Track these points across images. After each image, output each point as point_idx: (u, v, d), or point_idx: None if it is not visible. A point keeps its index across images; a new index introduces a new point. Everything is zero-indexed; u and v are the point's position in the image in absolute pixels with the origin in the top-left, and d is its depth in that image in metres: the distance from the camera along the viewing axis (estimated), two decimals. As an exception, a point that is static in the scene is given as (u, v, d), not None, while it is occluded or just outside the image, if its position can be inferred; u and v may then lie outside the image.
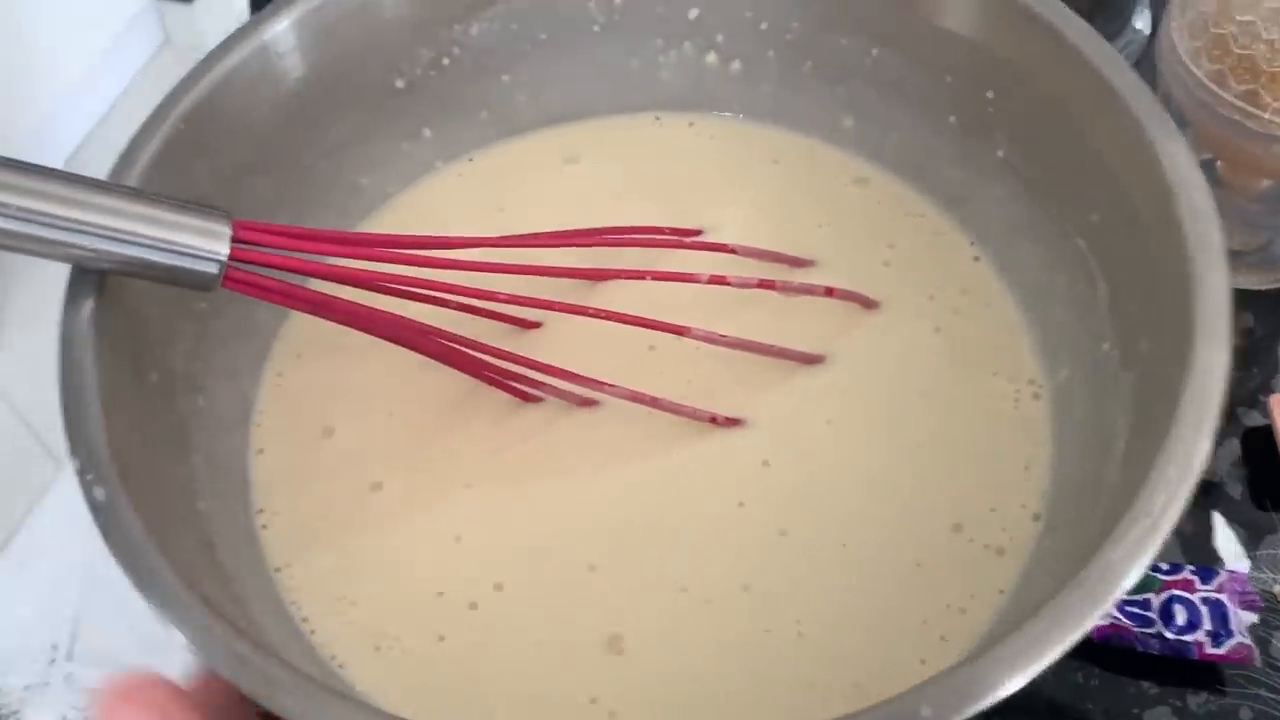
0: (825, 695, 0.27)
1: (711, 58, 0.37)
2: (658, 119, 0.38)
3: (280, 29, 0.31)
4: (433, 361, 0.31)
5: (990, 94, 0.32)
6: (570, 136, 0.38)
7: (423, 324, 0.30)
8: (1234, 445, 0.37)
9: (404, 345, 0.30)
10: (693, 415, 0.31)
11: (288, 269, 0.27)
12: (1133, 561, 0.22)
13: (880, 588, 0.29)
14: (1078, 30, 0.29)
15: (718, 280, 0.31)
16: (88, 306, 0.26)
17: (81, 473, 0.23)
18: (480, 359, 0.31)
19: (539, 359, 0.31)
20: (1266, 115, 0.33)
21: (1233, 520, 0.35)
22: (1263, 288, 0.40)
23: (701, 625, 0.28)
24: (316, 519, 0.31)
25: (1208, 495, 0.35)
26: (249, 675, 0.21)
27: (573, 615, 0.29)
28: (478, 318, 0.32)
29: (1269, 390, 0.37)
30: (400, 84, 0.35)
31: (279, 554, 0.30)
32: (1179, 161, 0.26)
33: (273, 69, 0.32)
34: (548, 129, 0.38)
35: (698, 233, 0.35)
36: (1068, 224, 0.31)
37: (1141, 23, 0.46)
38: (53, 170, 0.25)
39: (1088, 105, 0.29)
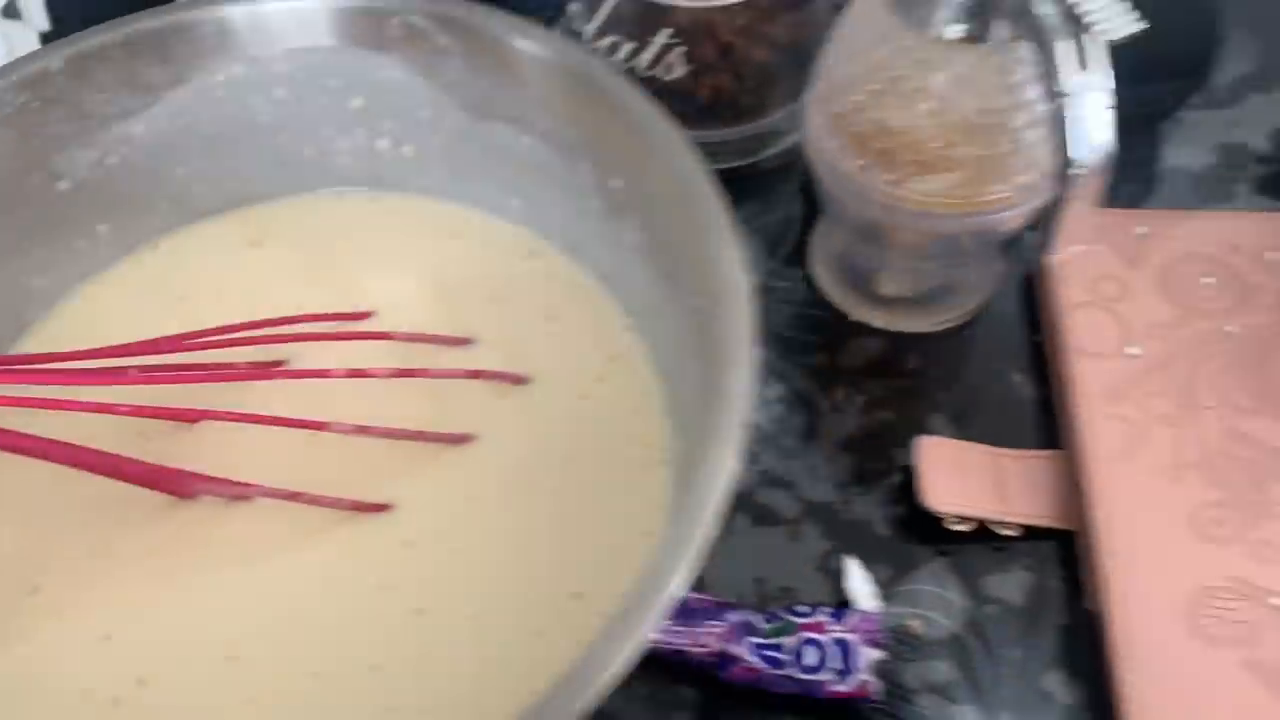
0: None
1: (383, 143, 0.39)
2: (340, 194, 0.40)
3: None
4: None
5: (620, 183, 0.35)
6: (254, 219, 0.39)
7: (72, 446, 0.31)
8: (890, 484, 0.40)
9: (56, 462, 0.31)
10: (337, 505, 0.33)
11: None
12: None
13: (508, 659, 0.31)
14: (646, 115, 0.32)
15: (356, 374, 0.33)
16: None
17: None
18: (140, 471, 0.32)
19: (201, 453, 0.33)
20: (911, 199, 0.36)
21: (880, 559, 0.38)
22: (928, 330, 0.43)
23: (331, 709, 0.30)
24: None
25: (846, 539, 0.38)
26: None
27: (212, 706, 0.30)
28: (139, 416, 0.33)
29: (924, 430, 0.40)
30: (64, 185, 0.36)
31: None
32: (727, 267, 0.29)
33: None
34: (232, 212, 0.39)
35: (368, 315, 0.37)
36: (685, 305, 0.33)
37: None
38: None
39: (671, 198, 0.31)
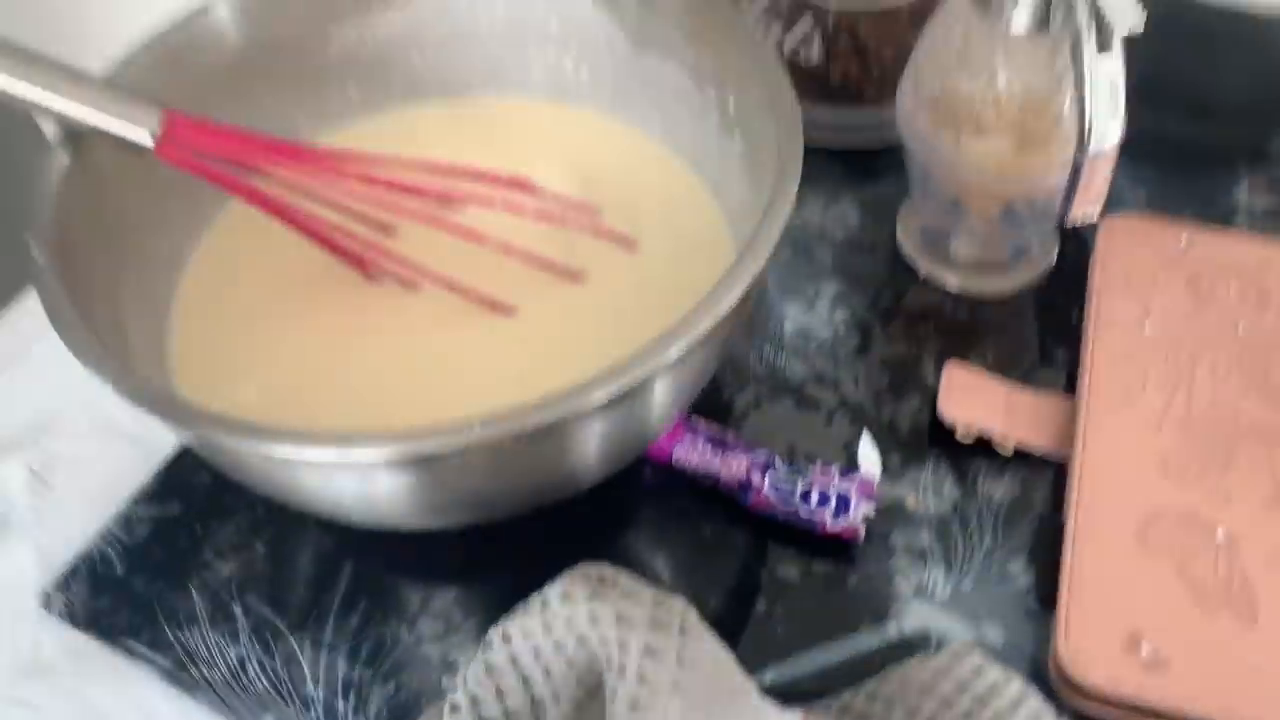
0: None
1: (567, 62, 0.50)
2: (530, 98, 0.51)
3: None
4: (315, 249, 0.44)
5: (733, 102, 0.45)
6: (462, 105, 0.51)
7: (318, 218, 0.43)
8: (917, 398, 0.48)
9: (301, 231, 0.43)
10: (478, 299, 0.43)
11: (215, 156, 0.41)
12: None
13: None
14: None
15: (513, 208, 0.44)
16: (65, 150, 0.40)
17: (31, 245, 0.37)
18: (350, 248, 0.44)
19: (390, 250, 0.44)
20: (969, 155, 0.45)
21: (893, 449, 0.46)
22: (988, 292, 0.51)
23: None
24: (215, 337, 0.44)
25: (867, 424, 0.46)
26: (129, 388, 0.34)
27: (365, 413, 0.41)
28: (347, 214, 0.45)
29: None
30: (333, 49, 0.49)
31: (180, 348, 0.43)
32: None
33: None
34: (447, 96, 0.51)
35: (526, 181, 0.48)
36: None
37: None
38: (48, 58, 0.39)
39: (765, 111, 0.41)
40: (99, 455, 0.49)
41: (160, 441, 0.48)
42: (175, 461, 0.47)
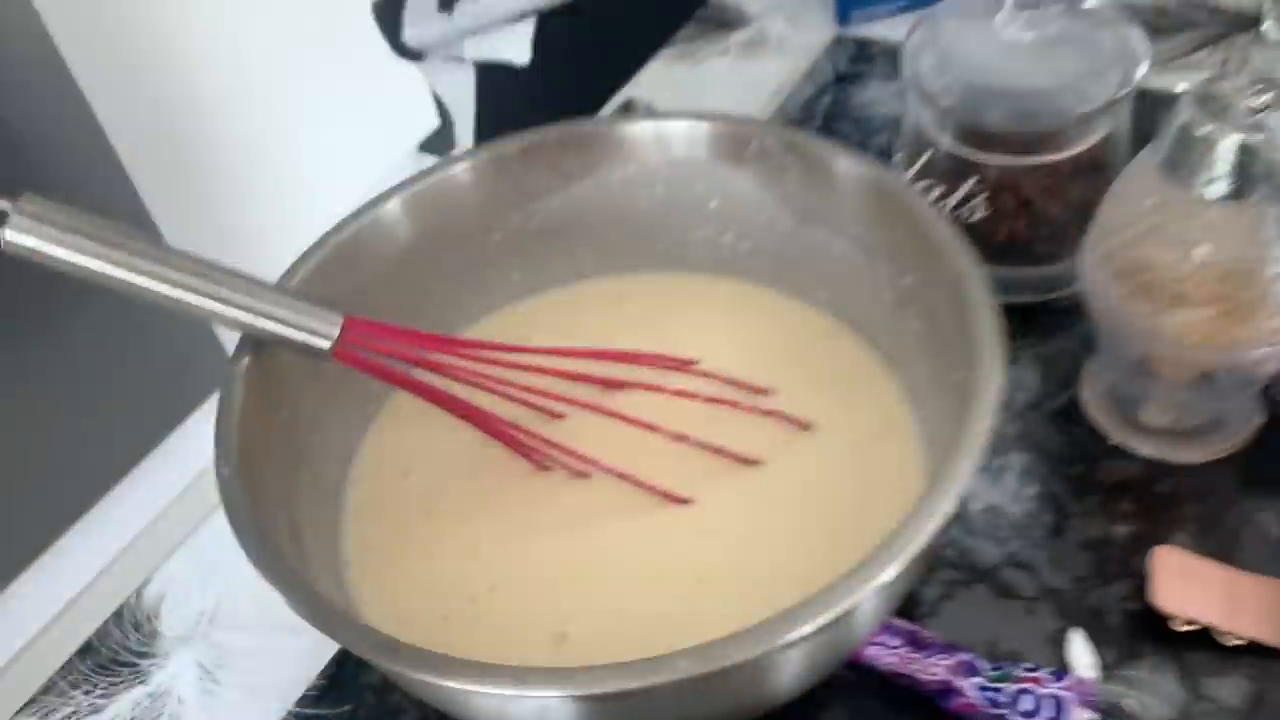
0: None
1: (728, 238, 0.49)
2: (689, 275, 0.51)
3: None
4: (483, 439, 0.44)
5: (910, 280, 0.43)
6: (621, 284, 0.51)
7: (486, 411, 0.42)
8: (1125, 583, 0.44)
9: (471, 423, 0.43)
10: (653, 490, 0.42)
11: (387, 354, 0.41)
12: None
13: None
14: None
15: (683, 394, 0.43)
16: (247, 355, 0.40)
17: (215, 458, 0.37)
18: (520, 439, 0.43)
19: (557, 439, 0.43)
20: (1167, 329, 0.42)
21: (1105, 643, 0.42)
22: (1185, 461, 0.47)
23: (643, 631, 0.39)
24: (388, 533, 0.43)
25: (1076, 621, 0.43)
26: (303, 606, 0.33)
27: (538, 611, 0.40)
28: (515, 404, 0.44)
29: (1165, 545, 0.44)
30: (496, 237, 0.49)
31: (354, 544, 0.43)
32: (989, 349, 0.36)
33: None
34: (604, 277, 0.51)
35: (692, 362, 0.47)
36: (950, 380, 0.40)
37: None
38: (229, 269, 0.39)
39: (949, 294, 0.39)
40: (267, 649, 0.48)
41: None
42: (343, 658, 0.46)
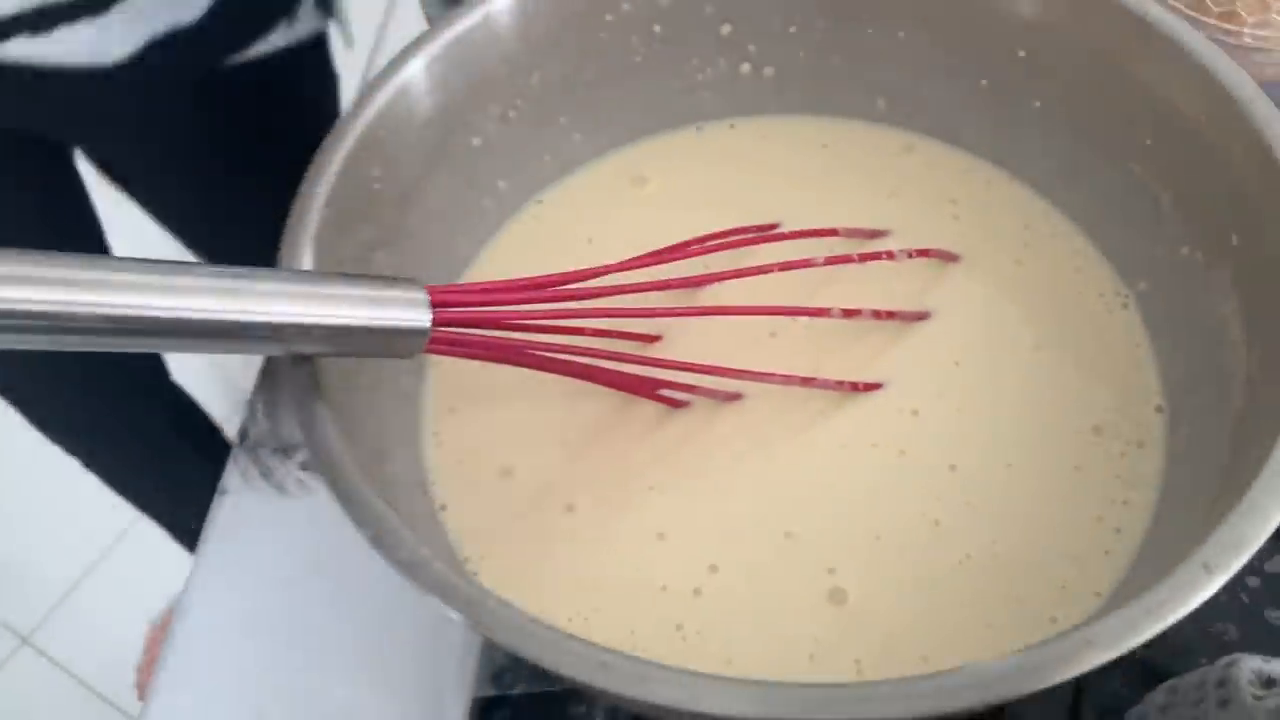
0: (1034, 610, 0.30)
1: (746, 68, 0.40)
2: (699, 129, 0.41)
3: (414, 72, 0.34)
4: (576, 388, 0.33)
5: (1021, 53, 0.36)
6: (629, 160, 0.41)
7: (595, 352, 0.32)
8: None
9: (577, 378, 0.32)
10: (839, 387, 0.34)
11: (478, 324, 0.29)
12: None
13: (1053, 497, 0.32)
14: None
15: (802, 264, 0.34)
16: (319, 397, 0.27)
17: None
18: (643, 376, 0.33)
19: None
20: (1245, 31, 0.38)
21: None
22: None
23: (903, 565, 0.31)
24: (521, 555, 0.32)
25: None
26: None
27: (786, 579, 0.31)
28: (610, 339, 0.34)
29: None
30: (477, 142, 0.37)
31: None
32: (1237, 79, 0.30)
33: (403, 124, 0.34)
34: (604, 157, 0.41)
35: (774, 227, 0.38)
36: (1116, 153, 0.35)
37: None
38: (265, 270, 0.26)
39: (1130, 48, 0.33)
40: None
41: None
42: None
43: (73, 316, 0.23)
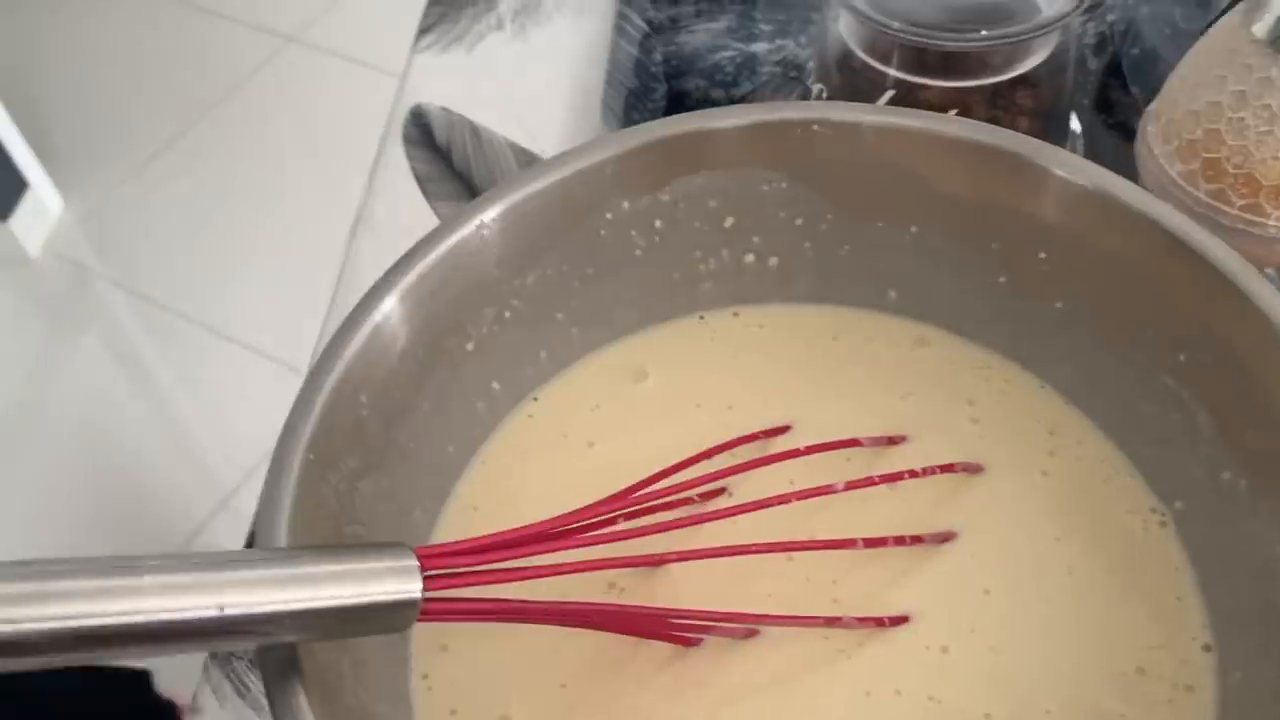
0: None
1: (749, 258, 0.38)
2: (702, 318, 0.39)
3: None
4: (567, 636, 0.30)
5: (1042, 254, 0.35)
6: (627, 354, 0.38)
7: (603, 607, 0.29)
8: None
9: (585, 628, 0.30)
10: (864, 625, 0.31)
11: (474, 584, 0.27)
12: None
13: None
14: (1131, 192, 0.32)
15: (855, 485, 0.32)
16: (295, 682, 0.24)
17: None
18: (654, 615, 0.30)
19: (678, 595, 0.31)
20: (1270, 223, 0.37)
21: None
22: None
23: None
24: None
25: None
26: None
27: None
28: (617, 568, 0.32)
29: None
30: (470, 347, 0.35)
31: None
32: (1270, 297, 0.29)
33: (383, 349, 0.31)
34: (600, 351, 0.38)
35: (786, 429, 0.36)
36: (1147, 364, 0.33)
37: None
38: (230, 554, 0.24)
39: (1152, 256, 0.31)
40: None
41: None
42: None
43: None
